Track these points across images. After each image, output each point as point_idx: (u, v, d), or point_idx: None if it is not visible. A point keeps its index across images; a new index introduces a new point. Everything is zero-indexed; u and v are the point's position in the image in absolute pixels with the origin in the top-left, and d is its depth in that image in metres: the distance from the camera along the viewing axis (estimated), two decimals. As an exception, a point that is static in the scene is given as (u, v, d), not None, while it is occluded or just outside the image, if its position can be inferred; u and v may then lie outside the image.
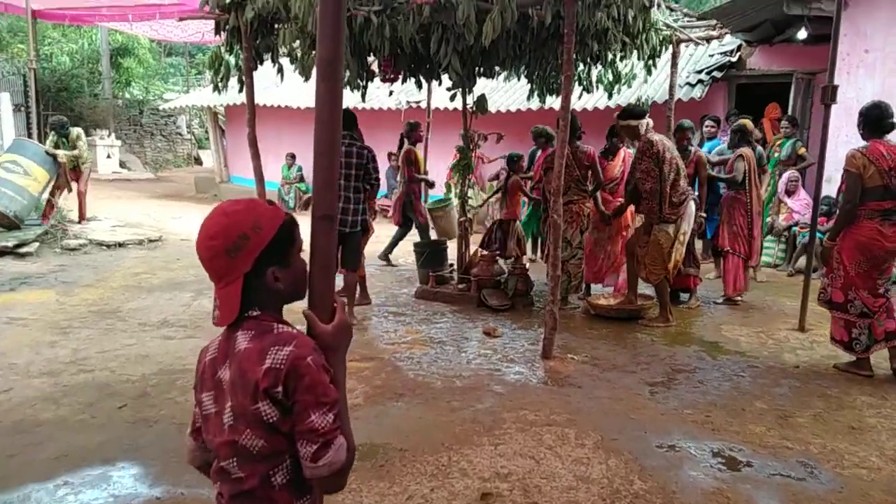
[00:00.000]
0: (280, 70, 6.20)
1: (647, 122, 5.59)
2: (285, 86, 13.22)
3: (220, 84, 6.37)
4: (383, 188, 13.76)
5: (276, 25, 5.56)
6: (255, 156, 6.10)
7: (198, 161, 24.31)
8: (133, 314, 5.95)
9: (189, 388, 2.77)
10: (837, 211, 4.88)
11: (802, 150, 8.80)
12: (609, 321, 5.93)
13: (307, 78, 5.58)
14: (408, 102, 11.68)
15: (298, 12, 4.68)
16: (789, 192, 8.53)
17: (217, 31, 5.77)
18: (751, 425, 3.81)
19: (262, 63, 6.37)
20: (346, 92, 7.61)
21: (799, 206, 8.44)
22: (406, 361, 4.80)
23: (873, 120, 4.46)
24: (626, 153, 6.61)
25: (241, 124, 15.60)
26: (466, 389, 4.28)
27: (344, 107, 5.38)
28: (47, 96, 17.76)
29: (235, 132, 15.74)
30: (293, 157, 13.98)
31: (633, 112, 5.69)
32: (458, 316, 6.08)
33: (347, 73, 5.98)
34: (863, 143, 4.54)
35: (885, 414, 3.98)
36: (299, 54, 5.53)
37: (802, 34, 8.35)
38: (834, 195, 8.14)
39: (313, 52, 5.37)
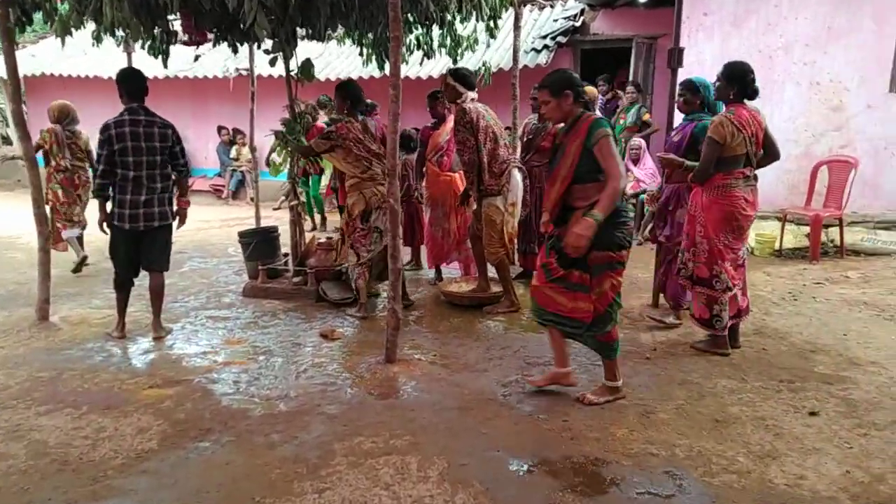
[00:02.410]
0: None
1: (472, 94, 5.12)
2: (93, 54, 11.59)
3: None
4: (215, 165, 12.51)
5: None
6: (25, 136, 4.97)
7: (7, 141, 21.36)
8: None
9: None
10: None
11: (647, 117, 8.75)
12: (461, 310, 5.42)
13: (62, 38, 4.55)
14: (237, 70, 10.53)
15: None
16: (633, 160, 8.45)
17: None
18: (612, 427, 3.41)
19: (30, 22, 5.19)
20: (145, 58, 6.52)
21: (644, 174, 8.38)
22: (220, 383, 4.00)
23: (742, 82, 4.15)
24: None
25: (45, 97, 13.67)
26: (292, 415, 3.57)
27: (130, 71, 4.30)
28: None
29: (38, 107, 13.68)
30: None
31: (465, 78, 5.15)
32: (291, 316, 5.32)
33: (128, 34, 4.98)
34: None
35: (746, 401, 3.73)
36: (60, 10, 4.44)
37: (642, -3, 8.21)
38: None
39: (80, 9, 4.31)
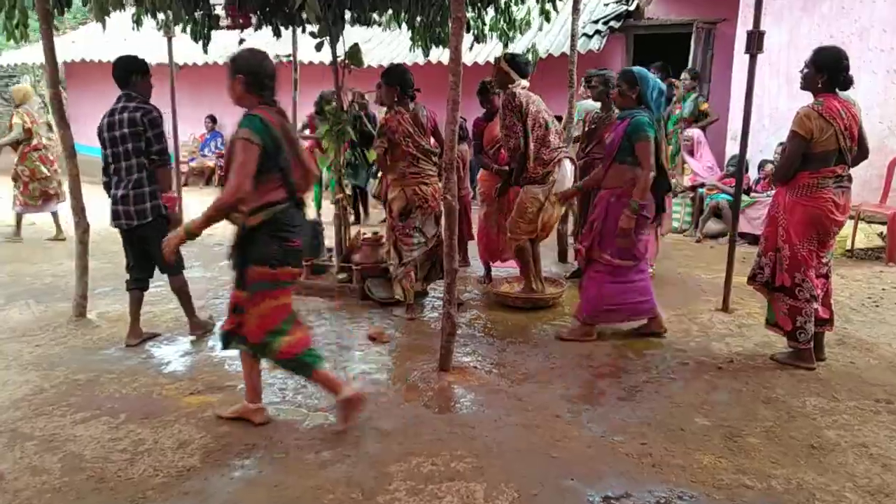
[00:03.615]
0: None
1: (524, 82, 4.81)
2: (133, 39, 11.46)
3: (15, 33, 4.99)
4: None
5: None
6: (63, 123, 4.78)
7: (50, 127, 21.62)
8: None
9: None
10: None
11: (705, 106, 8.27)
12: (514, 311, 5.10)
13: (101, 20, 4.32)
14: (277, 56, 10.27)
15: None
16: (689, 152, 8.02)
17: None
18: (697, 453, 3.07)
19: (69, 6, 5.00)
20: (187, 42, 6.29)
21: (700, 166, 7.94)
22: (265, 390, 3.73)
23: (834, 69, 3.73)
24: None
25: (85, 83, 13.66)
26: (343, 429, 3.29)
27: (117, 59, 3.95)
28: None
29: (78, 93, 13.68)
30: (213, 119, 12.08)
31: (520, 65, 4.84)
32: (337, 315, 5.05)
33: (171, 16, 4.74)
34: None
35: (842, 423, 3.35)
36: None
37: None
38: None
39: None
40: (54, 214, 7.64)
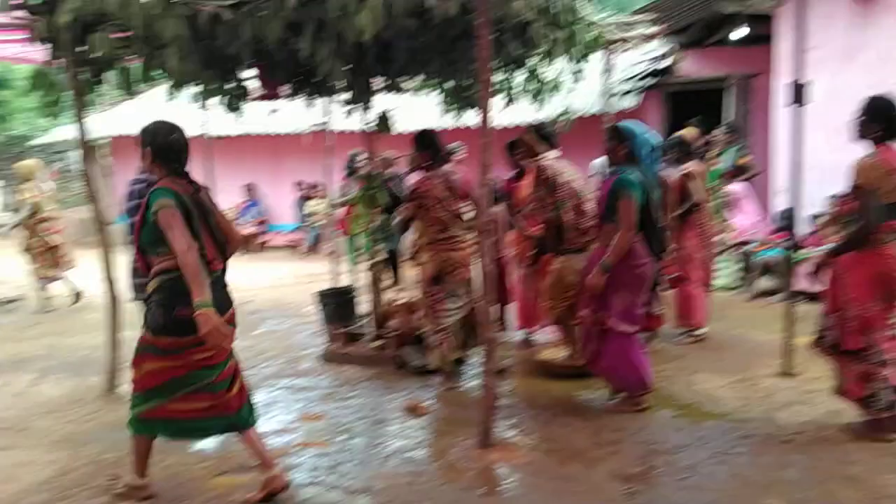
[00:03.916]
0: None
1: (552, 153, 4.67)
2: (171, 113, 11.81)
3: (51, 111, 5.07)
4: (291, 221, 12.37)
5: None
6: (95, 197, 4.79)
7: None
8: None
9: None
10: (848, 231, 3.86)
11: (746, 160, 8.05)
12: (558, 379, 4.82)
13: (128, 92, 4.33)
14: (313, 125, 10.42)
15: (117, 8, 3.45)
16: (731, 208, 7.77)
17: (33, 39, 4.43)
18: (773, 543, 2.75)
19: (99, 82, 5.06)
20: (215, 112, 6.36)
21: (747, 222, 7.66)
22: (297, 469, 3.53)
23: (890, 118, 3.53)
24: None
25: (129, 156, 14.02)
26: (378, 517, 3.06)
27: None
28: None
29: (123, 167, 14.03)
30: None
31: (547, 134, 4.75)
32: (373, 385, 4.85)
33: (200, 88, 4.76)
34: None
35: (936, 506, 2.99)
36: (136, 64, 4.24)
37: (741, 33, 7.64)
38: (787, 207, 7.44)
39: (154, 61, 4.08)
40: (65, 280, 7.80)
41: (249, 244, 3.96)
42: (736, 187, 7.74)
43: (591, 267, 4.14)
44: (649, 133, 4.09)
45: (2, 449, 3.87)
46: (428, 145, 4.75)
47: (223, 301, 3.10)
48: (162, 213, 2.87)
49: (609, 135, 4.15)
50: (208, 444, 3.89)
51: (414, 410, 4.28)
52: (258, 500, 3.12)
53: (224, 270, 3.20)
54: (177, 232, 2.86)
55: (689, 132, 5.87)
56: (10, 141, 19.41)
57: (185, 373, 3.03)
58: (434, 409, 4.34)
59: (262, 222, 12.26)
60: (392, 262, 7.68)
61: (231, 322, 3.14)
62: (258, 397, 4.63)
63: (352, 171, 7.71)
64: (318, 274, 9.25)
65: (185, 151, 3.09)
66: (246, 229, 11.99)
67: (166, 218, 2.87)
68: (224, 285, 3.18)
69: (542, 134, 4.74)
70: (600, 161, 5.87)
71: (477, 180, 3.67)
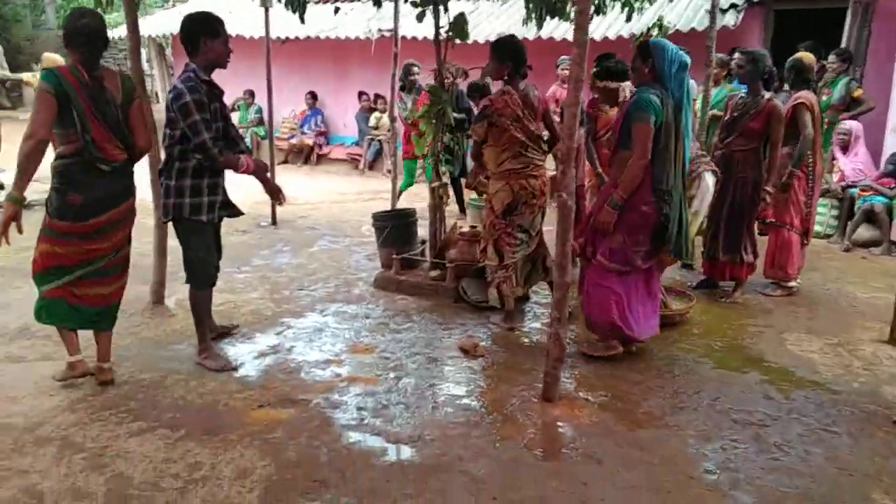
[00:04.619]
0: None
1: (627, 85, 4.27)
2: (237, 12, 11.36)
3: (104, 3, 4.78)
4: (353, 134, 11.95)
5: None
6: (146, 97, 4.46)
7: (157, 99, 22.29)
8: (-14, 317, 4.37)
9: None
10: None
11: (859, 92, 7.12)
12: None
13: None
14: (379, 31, 9.83)
15: None
16: (842, 148, 6.95)
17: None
18: (883, 550, 2.34)
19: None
20: (282, 13, 5.91)
21: (851, 167, 6.85)
22: (341, 409, 3.27)
23: None
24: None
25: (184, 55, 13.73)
26: (426, 469, 2.76)
27: (193, 17, 3.41)
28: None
29: (181, 65, 13.81)
30: (252, 94, 11.94)
31: (611, 71, 4.45)
32: (427, 318, 4.53)
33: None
34: None
35: None
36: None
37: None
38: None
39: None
40: None
41: (278, 198, 3.54)
42: (853, 125, 6.90)
43: (602, 199, 3.72)
44: (680, 51, 3.53)
45: (40, 359, 3.75)
46: (509, 55, 4.20)
47: (116, 194, 3.20)
48: (37, 93, 2.97)
49: (635, 51, 3.66)
50: (250, 372, 3.68)
51: (470, 350, 3.95)
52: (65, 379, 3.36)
53: (127, 162, 3.26)
54: (32, 114, 2.96)
55: (806, 56, 5.10)
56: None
57: (77, 259, 3.19)
58: (492, 352, 4.00)
59: (322, 133, 11.87)
60: (456, 186, 7.24)
61: (123, 216, 3.28)
62: (306, 322, 4.40)
63: (407, 84, 7.19)
64: (379, 192, 8.93)
65: (95, 38, 3.07)
66: (307, 140, 11.67)
67: (37, 98, 2.96)
68: (123, 177, 3.26)
69: (610, 73, 4.58)
70: (694, 84, 5.20)
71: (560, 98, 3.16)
